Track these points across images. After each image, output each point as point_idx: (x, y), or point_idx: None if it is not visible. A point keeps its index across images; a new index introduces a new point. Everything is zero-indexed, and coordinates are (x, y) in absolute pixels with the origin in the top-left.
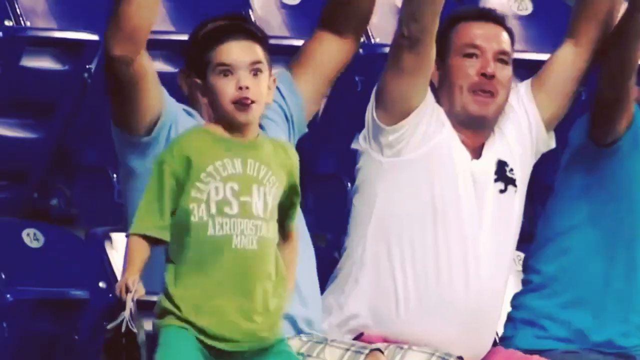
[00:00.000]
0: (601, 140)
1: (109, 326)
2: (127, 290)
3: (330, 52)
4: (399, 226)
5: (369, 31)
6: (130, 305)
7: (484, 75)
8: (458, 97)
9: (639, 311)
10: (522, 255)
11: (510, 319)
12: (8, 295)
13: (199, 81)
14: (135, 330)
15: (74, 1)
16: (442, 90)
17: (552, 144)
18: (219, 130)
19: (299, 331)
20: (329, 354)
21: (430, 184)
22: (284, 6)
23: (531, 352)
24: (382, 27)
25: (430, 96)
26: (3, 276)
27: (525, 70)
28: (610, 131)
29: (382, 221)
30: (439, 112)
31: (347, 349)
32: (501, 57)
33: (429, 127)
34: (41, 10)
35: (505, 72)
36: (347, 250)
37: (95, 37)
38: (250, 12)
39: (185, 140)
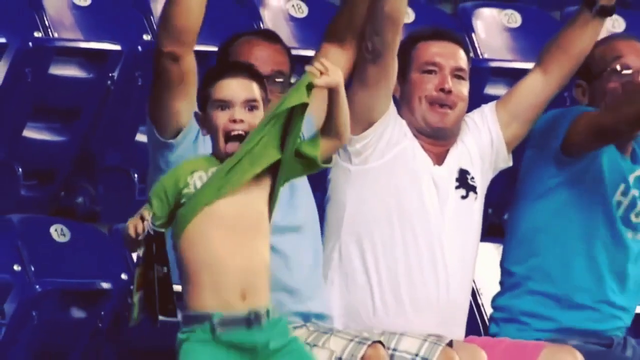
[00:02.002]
0: (571, 152)
1: (140, 237)
2: (143, 219)
3: (336, 62)
4: (369, 229)
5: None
6: (147, 227)
7: (442, 90)
8: (418, 109)
9: (607, 301)
10: None
11: (492, 318)
12: (37, 286)
13: (200, 113)
14: (163, 231)
15: (98, 14)
16: (403, 103)
17: (510, 163)
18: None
19: (308, 321)
20: (333, 344)
21: (395, 189)
22: (292, 19)
23: None
24: None
25: (392, 108)
26: (32, 268)
27: (515, 79)
28: (587, 148)
29: (353, 225)
30: (401, 123)
31: (351, 340)
32: (457, 73)
33: (392, 136)
34: (68, 23)
35: (461, 86)
36: (324, 258)
37: (117, 48)
38: (261, 24)
39: (181, 165)
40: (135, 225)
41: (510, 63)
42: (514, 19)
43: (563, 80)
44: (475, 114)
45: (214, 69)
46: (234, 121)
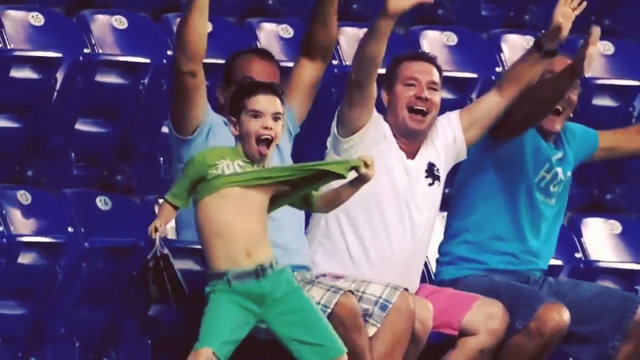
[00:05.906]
0: (499, 137)
1: (149, 256)
2: (156, 230)
3: (307, 72)
4: (349, 206)
5: (342, 56)
6: (159, 239)
7: (419, 98)
8: (400, 114)
9: (524, 249)
10: None
11: (437, 261)
12: (86, 244)
13: (234, 118)
14: (167, 252)
15: (133, 34)
16: (389, 110)
17: (466, 157)
18: (239, 150)
19: (295, 271)
20: (315, 292)
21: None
22: (281, 38)
23: (454, 280)
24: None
25: (375, 117)
26: (82, 230)
27: (453, 84)
28: (511, 133)
29: None
30: (383, 128)
31: (328, 290)
32: (432, 86)
33: (373, 139)
34: (110, 41)
35: (434, 95)
36: (313, 221)
37: (147, 61)
38: (257, 42)
39: (211, 149)
40: (152, 231)
41: (449, 73)
42: (452, 38)
43: (513, 100)
44: (444, 119)
45: (249, 85)
46: (265, 128)
